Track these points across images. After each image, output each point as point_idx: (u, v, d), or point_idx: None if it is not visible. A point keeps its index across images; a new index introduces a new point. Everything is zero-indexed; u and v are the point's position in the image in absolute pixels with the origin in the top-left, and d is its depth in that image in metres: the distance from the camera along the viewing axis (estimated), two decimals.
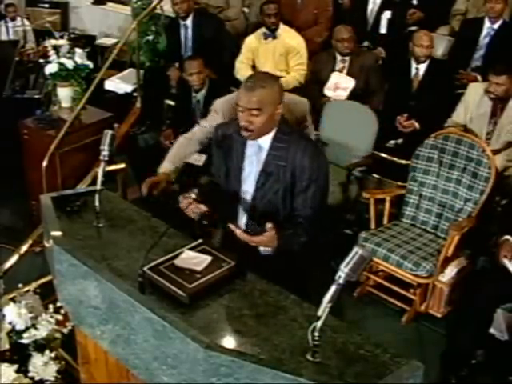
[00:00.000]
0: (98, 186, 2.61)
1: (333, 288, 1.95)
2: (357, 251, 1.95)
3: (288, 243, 2.56)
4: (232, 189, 2.74)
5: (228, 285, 2.29)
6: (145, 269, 2.24)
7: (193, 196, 2.64)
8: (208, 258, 2.35)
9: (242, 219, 2.77)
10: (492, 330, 3.58)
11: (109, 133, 2.64)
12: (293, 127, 2.84)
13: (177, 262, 2.32)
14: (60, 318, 2.90)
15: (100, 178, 2.61)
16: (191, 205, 2.61)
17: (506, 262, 3.38)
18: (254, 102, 2.50)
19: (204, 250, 2.40)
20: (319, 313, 1.95)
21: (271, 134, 2.62)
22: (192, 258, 2.34)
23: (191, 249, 2.40)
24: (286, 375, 1.90)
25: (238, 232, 2.51)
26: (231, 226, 2.54)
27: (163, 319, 2.06)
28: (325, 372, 1.95)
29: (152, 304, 2.13)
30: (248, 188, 2.71)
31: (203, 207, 2.65)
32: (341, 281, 1.94)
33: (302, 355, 1.98)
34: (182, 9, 5.30)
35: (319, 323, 1.94)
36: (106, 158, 2.63)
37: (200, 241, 2.46)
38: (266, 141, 2.63)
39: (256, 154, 2.67)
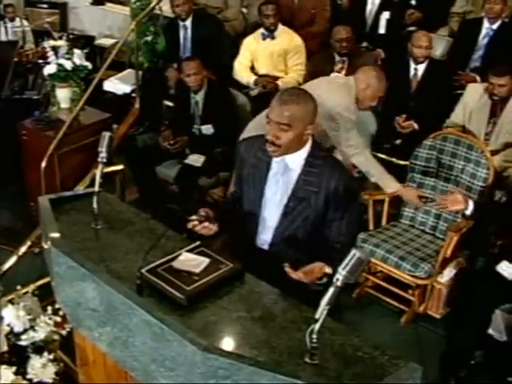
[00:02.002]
0: (96, 188, 2.60)
1: (331, 290, 1.96)
2: (354, 253, 1.95)
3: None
4: (252, 210, 2.68)
5: (226, 287, 2.29)
6: (143, 271, 2.24)
7: (195, 218, 2.57)
8: (206, 260, 2.35)
9: (265, 242, 2.70)
10: (491, 331, 3.58)
11: (107, 135, 2.63)
12: (324, 150, 2.78)
13: (175, 264, 2.32)
14: (58, 319, 2.89)
15: (98, 180, 2.61)
16: (197, 226, 2.55)
17: (501, 268, 3.39)
18: (285, 116, 2.43)
19: (202, 252, 2.40)
20: (317, 315, 1.95)
21: (302, 156, 2.55)
22: (190, 260, 2.34)
23: (189, 251, 2.39)
24: (283, 377, 1.90)
25: (296, 274, 2.40)
26: (287, 268, 2.41)
27: (161, 322, 2.06)
28: (323, 374, 1.95)
29: (150, 306, 2.13)
30: (271, 211, 2.63)
31: (212, 227, 2.58)
32: (339, 283, 1.95)
33: (300, 357, 1.98)
34: (183, 10, 5.30)
35: (317, 325, 1.95)
36: (104, 160, 2.62)
37: (198, 243, 2.46)
38: (294, 161, 2.56)
39: (282, 173, 2.59)
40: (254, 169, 2.65)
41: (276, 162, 2.60)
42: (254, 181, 2.65)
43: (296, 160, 2.56)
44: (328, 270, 2.41)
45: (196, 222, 2.56)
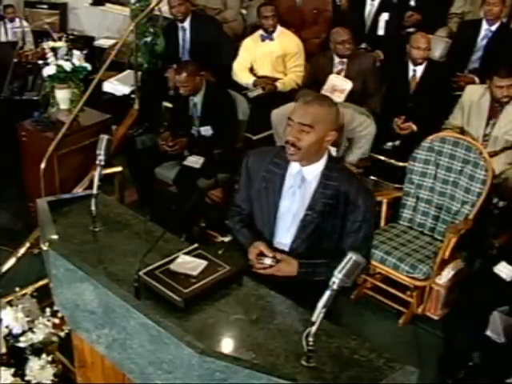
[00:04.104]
0: (94, 191, 2.61)
1: (327, 293, 1.96)
2: (351, 257, 1.96)
3: (315, 271, 2.51)
4: (266, 224, 2.63)
5: (223, 289, 2.29)
6: (140, 273, 2.24)
7: (270, 262, 2.53)
8: (203, 263, 2.35)
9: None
10: (489, 333, 3.59)
11: (105, 138, 2.64)
12: (341, 163, 2.78)
13: (172, 266, 2.32)
14: (57, 321, 2.89)
15: (96, 183, 2.61)
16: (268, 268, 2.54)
17: (499, 270, 3.40)
18: (309, 117, 2.41)
19: (199, 254, 2.41)
20: (313, 318, 1.96)
21: (319, 169, 2.52)
22: (187, 263, 2.34)
23: (187, 253, 2.40)
24: (280, 380, 1.91)
25: (258, 266, 2.49)
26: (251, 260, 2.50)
27: (158, 324, 2.07)
28: (319, 377, 1.96)
29: (147, 309, 2.14)
30: (287, 224, 2.59)
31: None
32: (335, 286, 1.96)
33: (297, 360, 1.99)
34: (179, 11, 5.32)
35: (313, 328, 1.95)
36: (102, 163, 2.62)
37: (196, 245, 2.47)
38: (311, 173, 2.53)
39: (299, 185, 2.55)
40: (267, 182, 2.59)
41: (291, 175, 2.56)
42: (267, 194, 2.59)
43: (313, 172, 2.53)
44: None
45: (267, 266, 2.53)
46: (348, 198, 2.49)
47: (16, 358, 2.86)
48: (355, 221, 2.52)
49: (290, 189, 2.57)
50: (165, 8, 5.68)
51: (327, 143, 2.50)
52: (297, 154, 2.46)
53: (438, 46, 5.28)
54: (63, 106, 4.81)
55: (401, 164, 4.35)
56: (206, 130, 4.62)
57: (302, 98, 2.51)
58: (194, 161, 4.53)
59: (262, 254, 2.56)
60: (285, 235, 2.61)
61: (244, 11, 6.22)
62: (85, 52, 4.97)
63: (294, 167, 2.56)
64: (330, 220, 2.53)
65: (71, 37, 5.80)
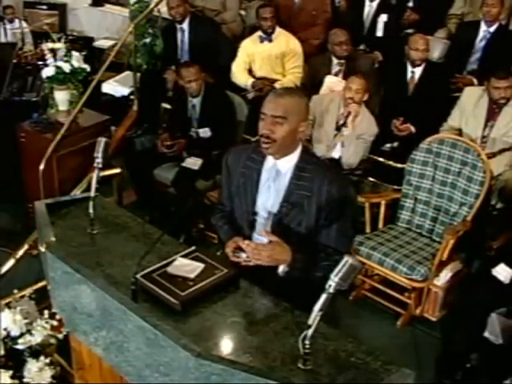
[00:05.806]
0: (92, 193, 2.62)
1: (323, 296, 1.97)
2: (347, 260, 1.96)
3: (308, 266, 2.47)
4: (245, 219, 2.64)
5: (220, 292, 2.30)
6: (138, 276, 2.25)
7: (244, 256, 2.51)
8: (201, 266, 2.36)
9: None
10: (487, 334, 3.59)
11: (102, 140, 2.65)
12: (316, 156, 2.79)
13: (170, 269, 2.33)
14: (55, 323, 2.89)
15: (94, 185, 2.62)
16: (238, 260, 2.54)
17: (497, 272, 3.40)
18: (280, 109, 2.42)
19: (197, 257, 2.41)
20: (310, 321, 1.96)
21: (293, 161, 2.53)
22: (185, 266, 2.35)
23: (184, 256, 2.41)
24: (276, 383, 1.91)
25: (233, 259, 2.48)
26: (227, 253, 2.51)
27: (155, 327, 2.08)
28: (316, 380, 1.96)
29: (144, 312, 2.15)
30: (264, 218, 2.60)
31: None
32: (331, 290, 1.96)
33: (294, 363, 2.00)
34: (178, 12, 5.33)
35: (310, 331, 1.96)
36: (100, 166, 2.63)
37: (193, 248, 2.47)
38: (285, 166, 2.53)
39: (274, 179, 2.56)
40: (245, 178, 2.62)
41: (266, 170, 2.58)
42: (246, 189, 2.62)
43: (287, 164, 2.54)
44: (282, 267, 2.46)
45: (241, 260, 2.52)
46: (322, 190, 2.48)
47: (14, 360, 2.86)
48: (328, 214, 2.49)
49: (265, 183, 2.58)
50: (164, 9, 5.68)
51: (300, 134, 2.51)
52: (272, 147, 2.47)
53: (437, 47, 5.28)
54: (62, 107, 4.81)
55: (399, 165, 4.35)
56: (205, 132, 4.63)
57: (271, 93, 2.53)
58: (193, 162, 4.54)
59: (239, 249, 2.54)
60: (263, 229, 2.60)
61: (243, 12, 6.21)
62: (84, 53, 4.96)
63: (269, 161, 2.57)
64: (306, 212, 2.51)
65: (70, 37, 5.81)
